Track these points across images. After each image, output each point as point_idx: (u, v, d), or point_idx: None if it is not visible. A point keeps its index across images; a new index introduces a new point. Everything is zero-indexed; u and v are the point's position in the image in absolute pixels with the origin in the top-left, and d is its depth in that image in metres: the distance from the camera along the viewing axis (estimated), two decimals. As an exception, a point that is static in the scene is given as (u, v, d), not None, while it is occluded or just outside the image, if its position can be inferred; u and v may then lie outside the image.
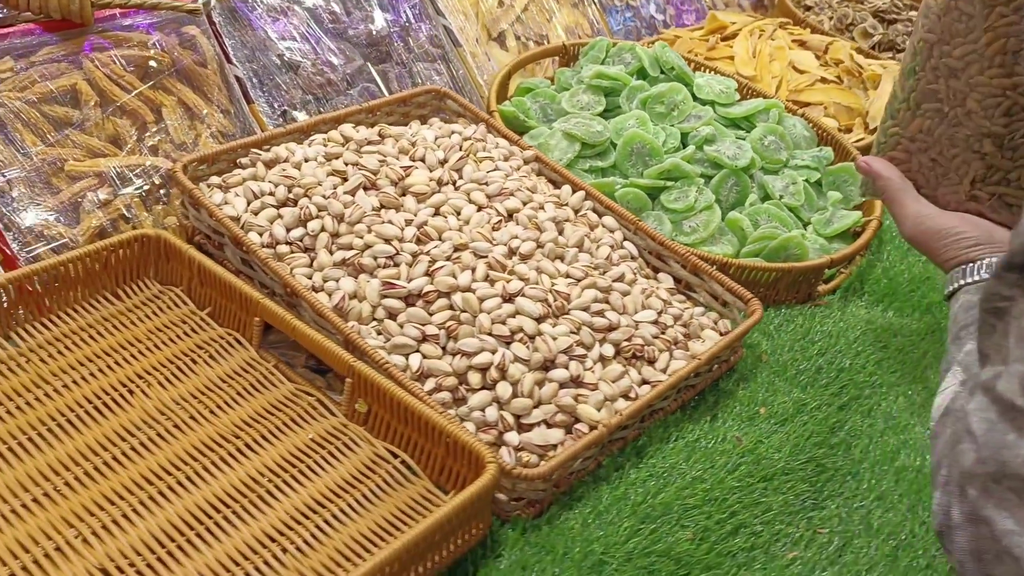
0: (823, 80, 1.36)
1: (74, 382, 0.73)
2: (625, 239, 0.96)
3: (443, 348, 0.76)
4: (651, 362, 0.81)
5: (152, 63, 0.94)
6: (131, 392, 0.73)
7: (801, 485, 0.77)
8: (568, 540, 0.67)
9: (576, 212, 0.95)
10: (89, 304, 0.81)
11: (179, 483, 0.65)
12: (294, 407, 0.74)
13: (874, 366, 0.93)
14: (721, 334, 0.87)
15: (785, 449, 0.80)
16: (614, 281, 0.86)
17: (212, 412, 0.72)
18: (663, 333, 0.84)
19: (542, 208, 0.91)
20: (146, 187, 0.90)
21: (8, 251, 0.81)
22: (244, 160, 0.91)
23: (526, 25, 1.34)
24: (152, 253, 0.84)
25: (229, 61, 1.01)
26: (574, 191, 0.98)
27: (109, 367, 0.75)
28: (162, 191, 0.92)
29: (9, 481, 0.63)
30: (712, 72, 1.27)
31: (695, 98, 1.17)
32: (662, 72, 1.22)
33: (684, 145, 1.10)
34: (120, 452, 0.67)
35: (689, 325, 0.87)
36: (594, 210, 0.97)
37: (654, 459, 0.76)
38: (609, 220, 0.96)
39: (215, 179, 0.89)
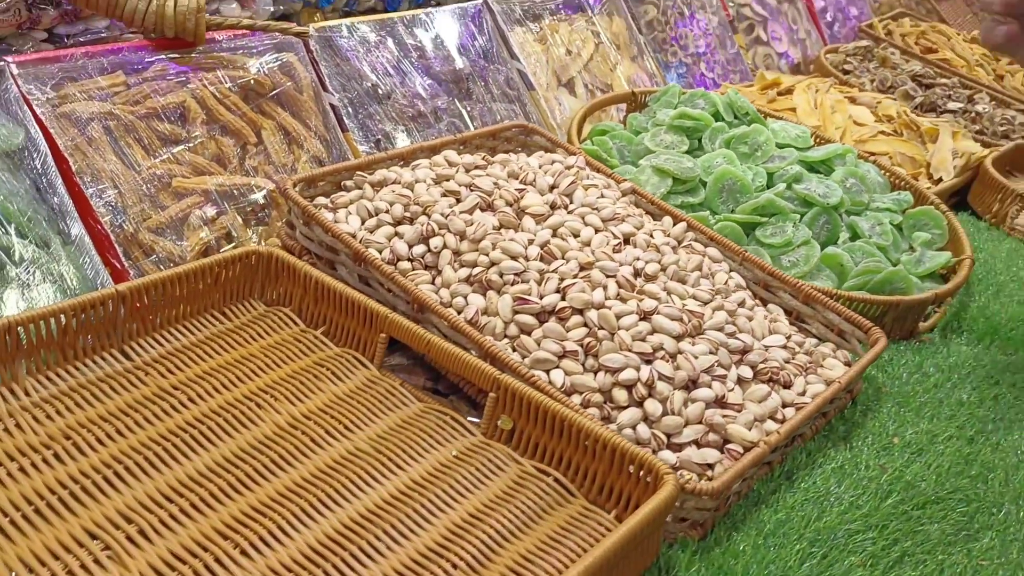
0: (883, 132, 1.37)
1: (199, 396, 0.68)
2: (732, 270, 0.94)
3: (583, 365, 0.72)
4: (787, 386, 0.78)
5: (254, 86, 0.92)
6: (259, 406, 0.68)
7: (953, 515, 0.74)
8: (743, 563, 0.62)
9: (679, 243, 0.93)
10: (198, 321, 0.77)
11: (326, 497, 0.60)
12: (429, 425, 0.70)
13: (991, 401, 0.91)
14: (843, 363, 0.85)
15: (930, 478, 0.76)
16: (737, 306, 0.84)
17: (347, 428, 0.68)
18: (793, 358, 0.81)
19: (651, 235, 0.90)
20: (248, 207, 0.87)
21: (119, 265, 0.77)
22: (348, 183, 0.88)
23: (592, 74, 1.35)
24: (262, 270, 0.81)
25: (325, 89, 1.00)
26: (675, 222, 0.96)
27: (230, 382, 0.70)
28: (263, 212, 0.89)
29: (145, 494, 0.58)
30: (781, 119, 1.29)
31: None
32: (735, 117, 1.22)
33: (770, 184, 1.10)
34: (260, 465, 0.62)
35: (812, 353, 0.84)
36: (696, 241, 0.95)
37: (805, 484, 0.72)
38: (713, 251, 0.94)
39: (322, 199, 0.86)
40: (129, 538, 0.54)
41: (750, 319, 0.83)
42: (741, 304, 0.85)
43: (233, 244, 0.85)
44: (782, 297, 0.92)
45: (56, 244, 0.73)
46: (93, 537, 0.54)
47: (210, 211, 0.84)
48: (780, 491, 0.71)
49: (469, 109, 1.12)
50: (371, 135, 1.01)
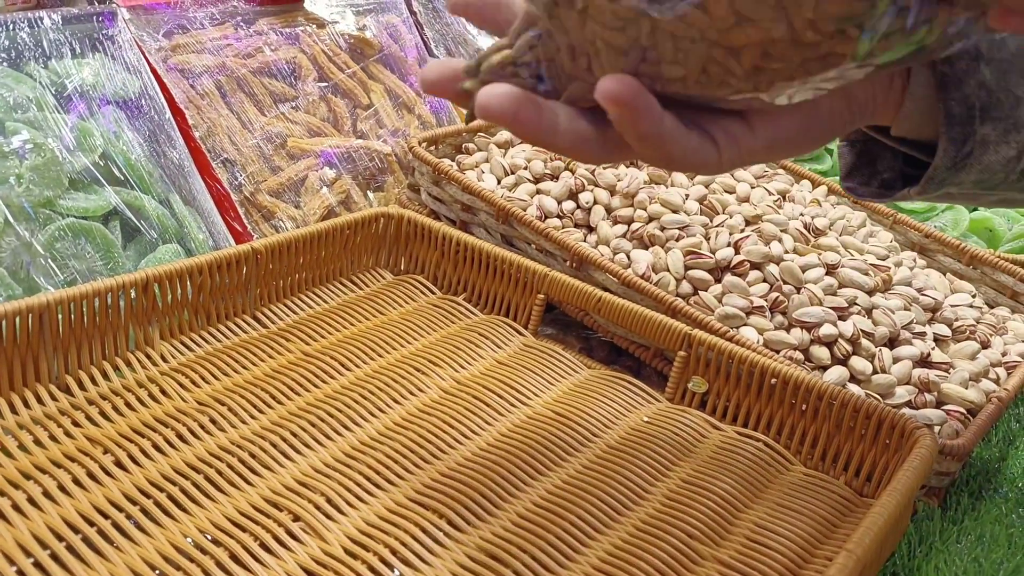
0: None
1: (349, 362, 0.60)
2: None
3: (773, 322, 0.64)
4: (984, 345, 0.70)
5: (362, 46, 0.85)
6: (418, 371, 0.60)
7: None
8: (1004, 533, 0.54)
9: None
10: (325, 289, 0.69)
11: (530, 468, 0.52)
12: (608, 391, 0.62)
13: None
14: (1026, 326, 0.77)
15: None
16: (914, 263, 0.76)
17: (521, 395, 0.59)
18: (983, 316, 0.73)
19: (800, 191, 0.82)
20: (364, 172, 0.80)
21: (239, 227, 0.69)
22: (470, 145, 0.81)
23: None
24: (390, 235, 0.73)
25: (431, 52, 0.93)
26: (815, 185, 0.89)
27: (377, 351, 0.62)
28: (379, 177, 0.81)
29: (321, 462, 0.49)
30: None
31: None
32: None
33: (897, 151, 1.03)
34: (438, 430, 0.54)
35: (995, 316, 0.76)
36: (840, 203, 0.88)
37: (1030, 449, 0.64)
38: (861, 213, 0.86)
39: (447, 162, 0.79)
40: (319, 508, 0.46)
41: (928, 276, 0.75)
42: (914, 261, 0.77)
43: (350, 210, 0.78)
44: (940, 260, 0.84)
45: (177, 201, 0.65)
46: (275, 506, 0.46)
47: (329, 173, 0.76)
48: (1008, 458, 0.63)
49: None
50: (479, 102, 0.93)
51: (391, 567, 0.43)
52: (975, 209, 0.99)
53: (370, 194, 0.79)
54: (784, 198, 0.79)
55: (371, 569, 0.43)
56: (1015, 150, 0.37)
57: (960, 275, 0.83)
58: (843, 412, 0.55)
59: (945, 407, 0.62)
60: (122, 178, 0.63)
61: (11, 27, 0.61)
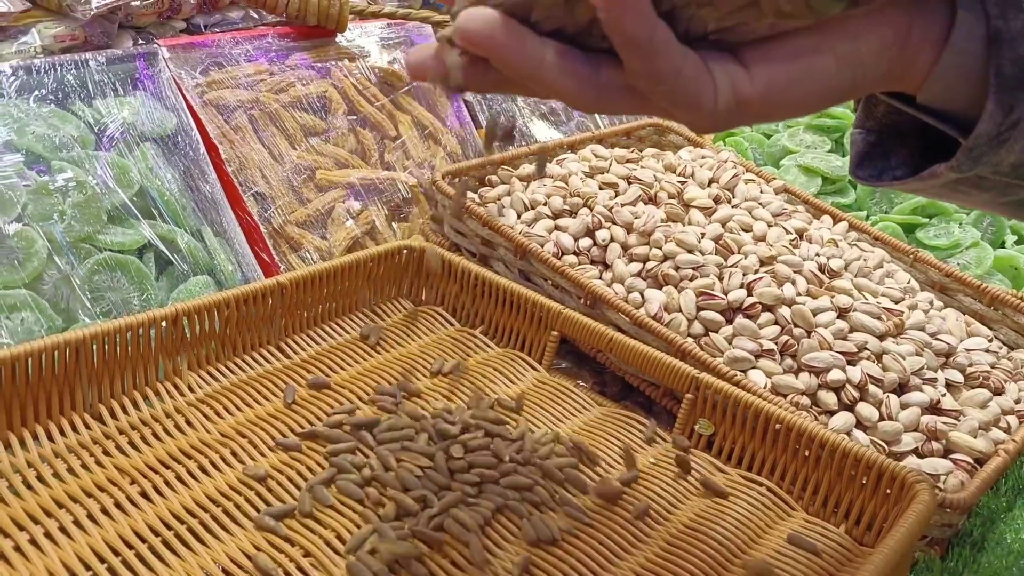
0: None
1: (364, 394, 0.62)
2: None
3: (781, 366, 0.65)
4: (998, 392, 0.70)
5: (391, 78, 0.88)
6: (437, 403, 0.62)
7: None
8: (1001, 586, 0.54)
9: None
10: (348, 320, 0.72)
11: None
12: (617, 429, 0.63)
13: None
14: (1044, 370, 0.76)
15: None
16: (930, 306, 0.76)
17: (532, 430, 0.61)
18: (999, 362, 0.73)
19: (819, 231, 0.83)
20: (389, 202, 0.82)
21: (268, 259, 0.72)
22: (494, 177, 0.83)
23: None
24: (412, 267, 0.75)
25: (459, 84, 0.95)
26: (836, 222, 0.89)
27: (394, 382, 0.65)
28: (404, 208, 0.84)
29: (343, 489, 0.52)
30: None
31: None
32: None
33: (923, 185, 1.02)
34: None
35: (1012, 360, 0.76)
36: (862, 241, 0.88)
37: (1038, 500, 0.64)
38: (880, 251, 0.87)
39: (469, 194, 0.81)
40: (340, 537, 0.48)
41: (943, 319, 0.76)
42: (930, 303, 0.77)
43: (376, 241, 0.80)
44: (961, 300, 0.84)
45: (208, 234, 0.68)
46: (288, 541, 0.48)
47: (355, 205, 0.79)
48: (1016, 508, 0.63)
49: (597, 109, 1.07)
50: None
51: (395, 604, 0.46)
52: (1002, 245, 0.99)
53: (395, 225, 0.82)
54: (801, 237, 0.79)
55: (375, 606, 0.45)
56: None
57: (981, 316, 0.83)
58: (845, 461, 0.56)
59: (952, 456, 0.62)
60: (157, 212, 0.66)
61: (59, 69, 0.64)
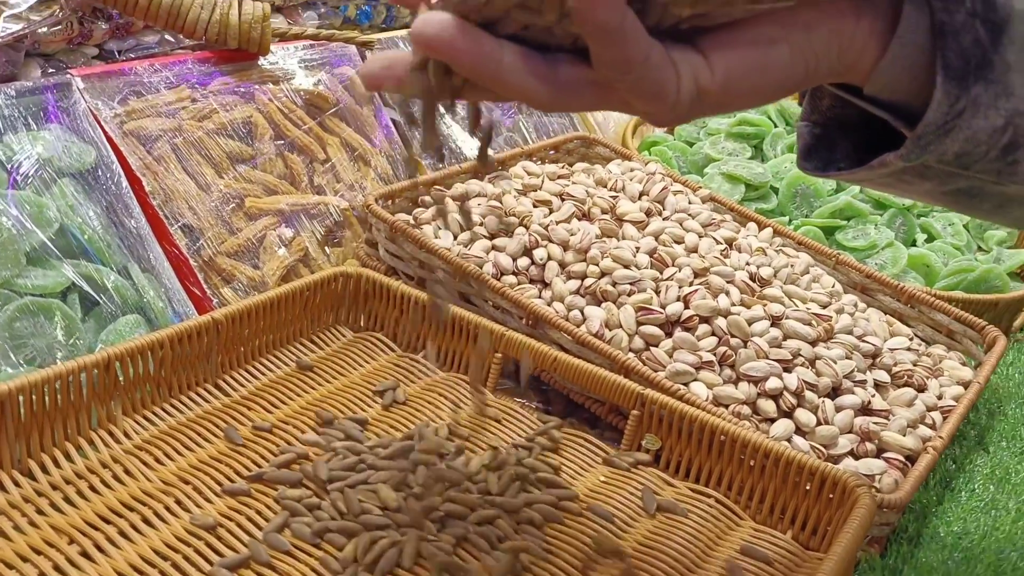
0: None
1: (307, 431, 0.61)
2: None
3: (720, 376, 0.67)
4: (920, 389, 0.73)
5: (317, 100, 0.86)
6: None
7: (1111, 516, 0.69)
8: (939, 580, 0.57)
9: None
10: (287, 351, 0.70)
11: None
12: (567, 449, 0.64)
13: (1104, 397, 0.87)
14: (960, 364, 0.81)
15: (1078, 479, 0.72)
16: (855, 308, 0.80)
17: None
18: (920, 359, 0.77)
19: (746, 239, 0.85)
20: (321, 227, 0.81)
21: (200, 292, 0.70)
22: (427, 198, 0.83)
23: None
24: (349, 294, 0.74)
25: (385, 104, 0.94)
26: (761, 228, 0.92)
27: (345, 413, 0.64)
28: (336, 232, 0.82)
29: (298, 534, 0.51)
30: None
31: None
32: (787, 123, 1.20)
33: (839, 188, 1.07)
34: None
35: (931, 355, 0.80)
36: (786, 247, 0.91)
37: (966, 493, 0.68)
38: (804, 256, 0.90)
39: (403, 216, 0.80)
40: (284, 593, 0.47)
41: (867, 320, 0.79)
42: (855, 306, 0.81)
43: (310, 268, 0.79)
44: (881, 300, 0.88)
45: (135, 271, 0.66)
46: None
47: (287, 232, 0.77)
48: (945, 501, 0.66)
49: (524, 121, 1.08)
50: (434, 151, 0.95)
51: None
52: (913, 243, 1.04)
53: (328, 250, 0.80)
54: (731, 246, 0.82)
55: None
56: (1002, 119, 0.35)
57: (900, 314, 0.87)
58: (788, 469, 0.58)
59: (885, 455, 0.65)
60: (79, 251, 0.63)
61: (-36, 105, 0.61)
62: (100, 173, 0.67)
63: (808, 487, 0.57)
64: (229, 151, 0.77)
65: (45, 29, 0.71)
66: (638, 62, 0.30)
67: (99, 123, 0.69)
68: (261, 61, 0.83)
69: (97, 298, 0.63)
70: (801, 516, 0.58)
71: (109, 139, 0.69)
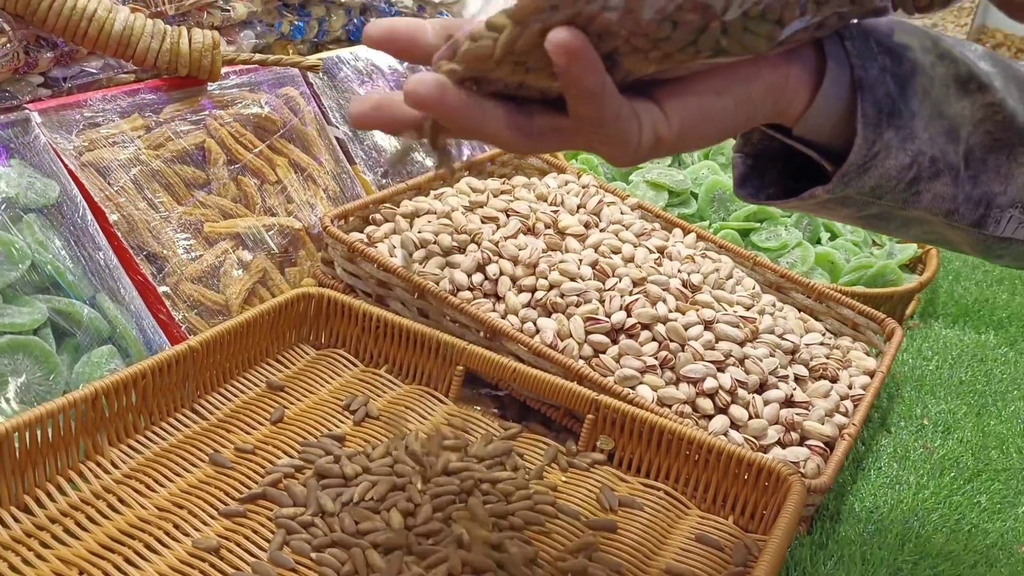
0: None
1: (288, 449, 0.65)
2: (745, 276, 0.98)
3: (663, 379, 0.74)
4: (833, 380, 0.82)
5: (265, 123, 0.89)
6: (360, 447, 0.65)
7: (995, 485, 0.80)
8: (860, 552, 0.65)
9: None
10: (256, 372, 0.73)
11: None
12: (528, 452, 0.69)
13: (984, 377, 0.99)
14: (865, 354, 0.90)
15: (967, 454, 0.83)
16: (774, 308, 0.88)
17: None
18: (832, 352, 0.86)
19: (675, 247, 0.93)
20: (276, 248, 0.84)
21: (168, 319, 0.72)
22: (377, 216, 0.86)
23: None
24: (311, 313, 0.78)
25: (329, 122, 0.97)
26: (685, 234, 1.00)
27: (317, 430, 0.68)
28: (289, 252, 0.85)
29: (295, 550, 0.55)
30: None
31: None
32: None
33: (751, 191, 1.15)
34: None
35: (839, 347, 0.90)
36: (709, 251, 0.99)
37: (874, 471, 0.77)
38: (727, 259, 0.98)
39: (356, 234, 0.84)
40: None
41: (785, 319, 0.87)
42: (774, 305, 0.89)
43: (268, 289, 0.82)
44: (794, 297, 0.97)
45: (105, 301, 0.68)
46: (253, 610, 0.51)
47: (246, 255, 0.80)
48: (858, 480, 0.75)
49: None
50: (377, 165, 0.99)
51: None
52: (818, 241, 1.14)
53: (287, 270, 0.83)
54: (662, 254, 0.89)
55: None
56: (909, 158, 0.41)
57: (811, 310, 0.96)
58: (728, 461, 0.65)
59: (808, 442, 0.73)
60: (51, 285, 0.65)
61: (-72, 147, 0.61)
62: (64, 207, 0.68)
63: (746, 477, 0.65)
64: (184, 177, 0.79)
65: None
66: (611, 119, 0.35)
67: (59, 157, 0.70)
68: (210, 86, 0.84)
69: (71, 331, 0.64)
70: (741, 503, 0.65)
71: (70, 172, 0.70)
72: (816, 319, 0.96)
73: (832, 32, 0.40)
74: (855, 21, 0.40)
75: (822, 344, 0.86)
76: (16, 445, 0.54)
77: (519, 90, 0.36)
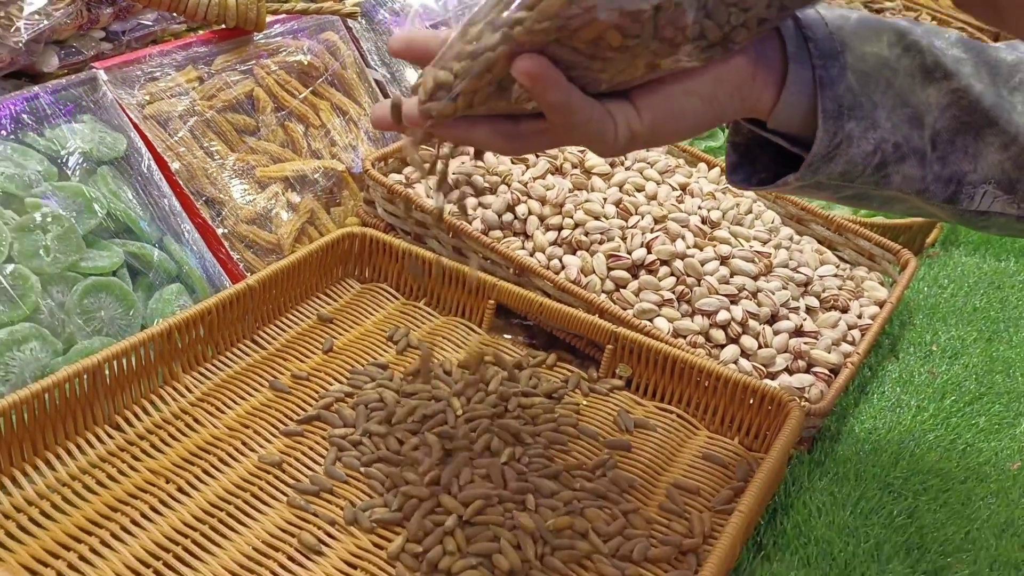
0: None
1: (339, 376, 0.73)
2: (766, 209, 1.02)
3: (679, 311, 0.80)
4: (844, 310, 0.87)
5: (308, 69, 0.94)
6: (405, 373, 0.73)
7: (994, 408, 0.85)
8: (854, 469, 0.72)
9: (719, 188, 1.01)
10: (306, 306, 0.81)
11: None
12: (555, 376, 0.76)
13: (999, 304, 1.03)
14: (879, 283, 0.95)
15: (970, 378, 0.88)
16: (790, 242, 0.92)
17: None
18: (844, 284, 0.91)
19: (698, 183, 0.97)
20: (322, 189, 0.90)
21: (227, 259, 0.80)
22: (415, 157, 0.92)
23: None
24: (355, 251, 0.85)
25: (368, 65, 1.02)
26: (710, 168, 1.04)
27: (365, 358, 0.75)
28: (334, 193, 0.92)
29: (348, 465, 0.63)
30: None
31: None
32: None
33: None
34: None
35: (853, 278, 0.94)
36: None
37: (877, 395, 0.83)
38: (749, 194, 1.02)
39: (395, 176, 0.90)
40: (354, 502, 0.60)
41: (801, 252, 0.92)
42: (791, 239, 0.93)
43: (316, 228, 0.88)
44: (814, 229, 1.01)
45: (172, 244, 0.75)
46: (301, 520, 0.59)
47: (294, 197, 0.87)
48: (860, 404, 0.81)
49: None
50: (415, 106, 1.04)
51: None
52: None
53: (331, 210, 0.90)
54: (684, 191, 0.93)
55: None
56: (872, 145, 0.46)
57: (829, 241, 1.00)
58: (735, 388, 0.71)
59: (814, 369, 0.79)
60: (124, 231, 0.73)
61: (13, 107, 0.68)
62: (132, 158, 0.75)
63: (751, 402, 0.71)
64: (236, 125, 0.85)
65: (66, 20, 0.77)
66: (582, 123, 0.42)
67: (124, 111, 0.77)
68: (256, 36, 0.90)
69: (144, 272, 0.72)
70: (746, 425, 0.72)
71: (134, 125, 0.77)
72: (835, 250, 1.00)
73: (784, 23, 0.45)
74: (823, 19, 0.44)
75: (836, 276, 0.91)
76: (107, 373, 0.63)
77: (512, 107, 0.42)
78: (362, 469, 0.63)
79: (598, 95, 0.42)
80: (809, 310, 0.85)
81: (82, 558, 0.54)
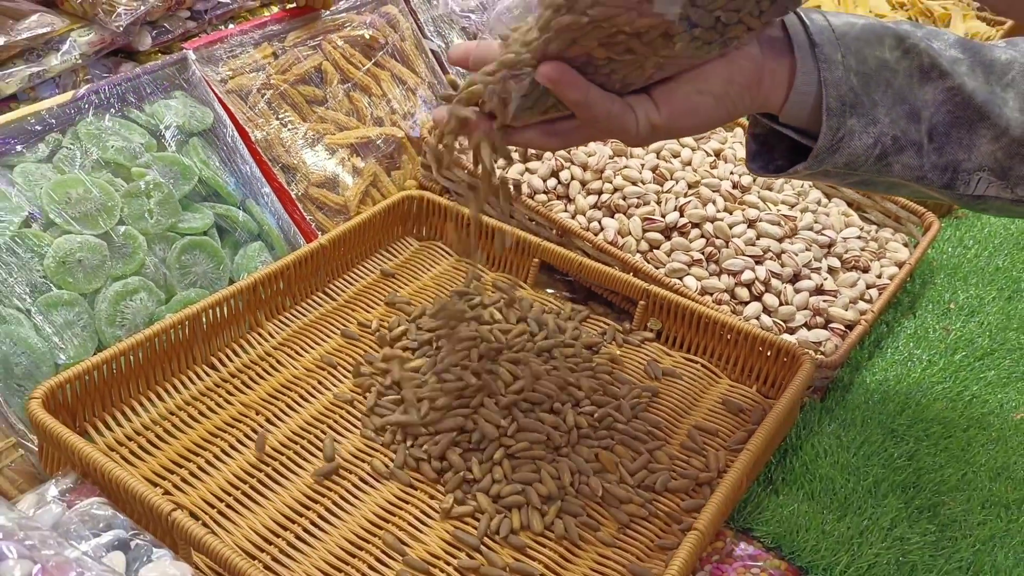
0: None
1: (403, 322, 0.83)
2: (799, 171, 1.08)
3: (707, 271, 0.87)
4: (865, 270, 0.94)
5: (370, 42, 1.02)
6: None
7: (1005, 362, 0.91)
8: (861, 416, 0.79)
9: (752, 151, 1.07)
10: (370, 262, 0.90)
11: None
12: (593, 328, 0.85)
13: (1022, 263, 1.08)
14: (903, 245, 1.00)
15: (984, 335, 0.94)
16: (817, 205, 0.99)
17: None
18: (867, 245, 0.97)
19: (732, 148, 1.03)
20: (385, 155, 0.99)
21: (301, 219, 0.89)
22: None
23: None
24: (413, 213, 0.94)
25: (425, 36, 1.09)
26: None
27: (423, 305, 0.85)
28: (394, 157, 1.00)
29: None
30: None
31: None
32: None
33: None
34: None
35: (877, 239, 1.00)
36: (767, 148, 1.09)
37: (891, 349, 0.89)
38: (782, 155, 1.08)
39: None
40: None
41: (827, 215, 0.98)
42: (818, 203, 1.00)
43: (378, 190, 0.97)
44: (843, 191, 1.07)
45: (253, 206, 0.85)
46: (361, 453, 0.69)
47: (359, 162, 0.96)
48: (874, 357, 0.88)
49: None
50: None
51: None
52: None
53: (393, 173, 0.99)
54: (718, 157, 1.00)
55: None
56: (872, 139, 0.51)
57: (858, 204, 1.06)
58: (755, 341, 0.79)
59: (831, 326, 0.86)
60: (213, 195, 0.82)
61: (121, 86, 0.78)
62: (217, 130, 0.85)
63: (769, 354, 0.79)
64: (306, 96, 0.94)
65: (158, 3, 0.86)
66: (603, 117, 0.49)
67: (210, 87, 0.86)
68: (324, 13, 0.98)
69: (230, 231, 0.82)
70: (764, 375, 0.80)
71: (219, 99, 0.86)
72: (863, 212, 1.06)
73: (795, 31, 0.51)
74: (830, 26, 0.51)
75: (859, 238, 0.97)
76: (204, 320, 0.73)
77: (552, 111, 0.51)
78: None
79: (621, 95, 0.50)
80: (831, 270, 0.92)
81: (192, 473, 0.65)
